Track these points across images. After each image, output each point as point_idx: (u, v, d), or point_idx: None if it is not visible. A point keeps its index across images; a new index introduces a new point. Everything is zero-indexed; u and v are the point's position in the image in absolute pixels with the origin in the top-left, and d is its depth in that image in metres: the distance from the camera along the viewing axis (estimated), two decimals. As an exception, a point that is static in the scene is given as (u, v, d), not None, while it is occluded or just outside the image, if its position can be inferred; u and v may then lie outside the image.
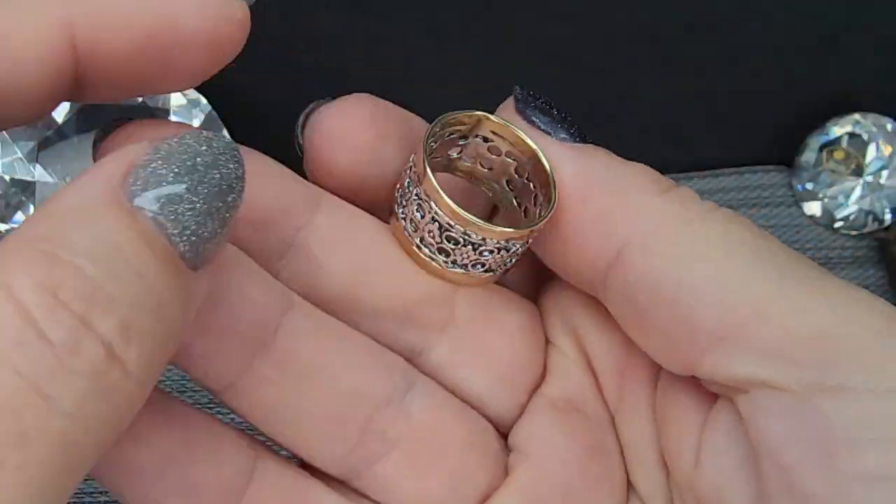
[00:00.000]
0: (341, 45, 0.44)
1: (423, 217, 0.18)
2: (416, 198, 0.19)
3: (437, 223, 0.18)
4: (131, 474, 0.17)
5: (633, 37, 0.44)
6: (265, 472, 0.17)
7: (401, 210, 0.19)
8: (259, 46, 0.45)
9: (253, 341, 0.17)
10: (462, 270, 0.19)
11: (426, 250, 0.19)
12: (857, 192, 0.46)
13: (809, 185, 0.46)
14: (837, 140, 0.46)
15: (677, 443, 0.19)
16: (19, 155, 0.44)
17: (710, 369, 0.18)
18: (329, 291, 0.19)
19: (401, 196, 0.19)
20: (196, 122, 0.46)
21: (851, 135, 0.46)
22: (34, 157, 0.45)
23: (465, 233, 0.18)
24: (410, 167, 0.19)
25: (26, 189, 0.45)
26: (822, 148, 0.46)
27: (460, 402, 0.20)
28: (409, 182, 0.19)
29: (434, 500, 0.19)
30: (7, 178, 0.44)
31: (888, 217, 0.46)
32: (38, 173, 0.45)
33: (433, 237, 0.18)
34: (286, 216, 0.18)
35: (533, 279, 0.22)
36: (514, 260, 0.20)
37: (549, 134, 0.19)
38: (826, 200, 0.46)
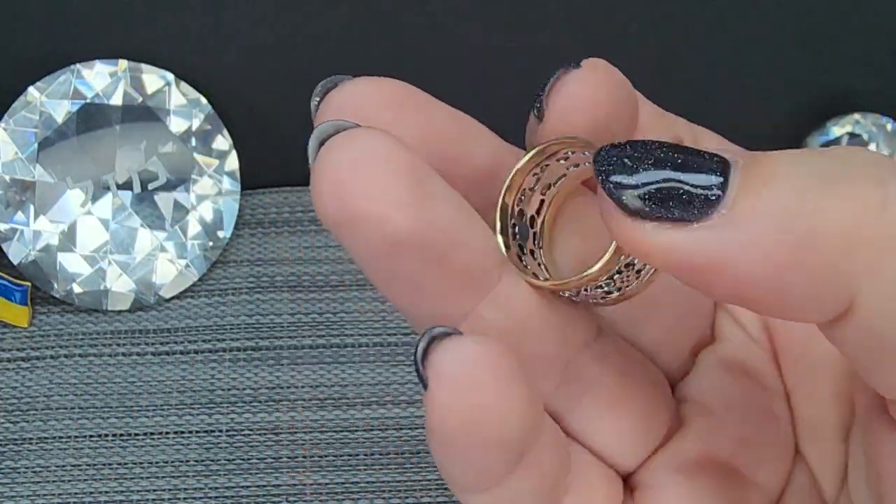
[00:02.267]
0: (341, 45, 0.44)
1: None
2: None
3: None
4: None
5: (632, 36, 0.44)
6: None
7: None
8: (259, 47, 0.45)
9: (475, 285, 0.18)
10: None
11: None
12: (857, 192, 0.46)
13: (809, 185, 0.46)
14: (837, 140, 0.46)
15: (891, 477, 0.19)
16: (19, 155, 0.44)
17: None
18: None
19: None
20: (196, 122, 0.46)
21: (851, 135, 0.46)
22: (34, 157, 0.45)
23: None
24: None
25: (26, 189, 0.45)
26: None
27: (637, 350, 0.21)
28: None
29: (627, 440, 0.20)
30: (7, 178, 0.44)
31: (888, 217, 0.46)
32: (38, 173, 0.45)
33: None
34: None
35: None
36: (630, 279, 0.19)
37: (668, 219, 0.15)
38: (826, 200, 0.46)
